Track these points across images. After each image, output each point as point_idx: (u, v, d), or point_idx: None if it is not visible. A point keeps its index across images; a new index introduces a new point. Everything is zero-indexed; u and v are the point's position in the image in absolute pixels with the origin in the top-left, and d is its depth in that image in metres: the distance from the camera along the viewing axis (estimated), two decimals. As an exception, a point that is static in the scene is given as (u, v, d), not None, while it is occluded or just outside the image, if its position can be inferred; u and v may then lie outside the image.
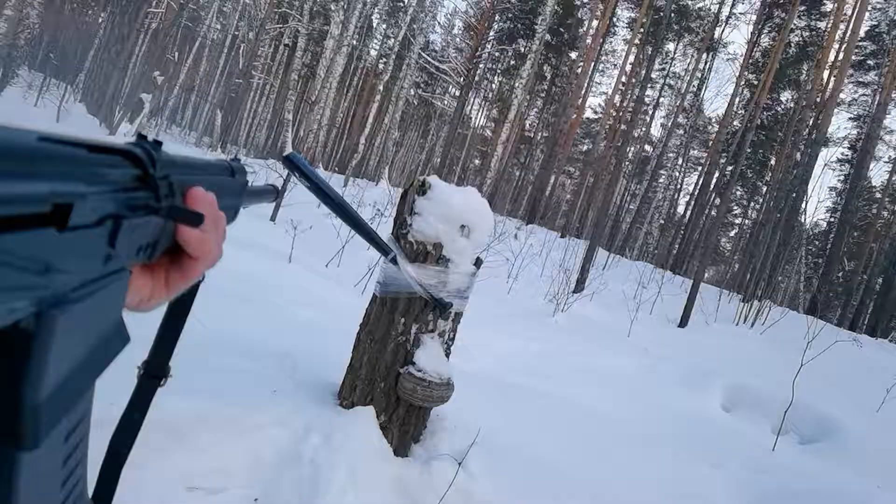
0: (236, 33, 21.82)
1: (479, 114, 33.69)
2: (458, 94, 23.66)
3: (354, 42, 19.26)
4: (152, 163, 0.33)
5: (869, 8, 19.58)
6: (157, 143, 0.34)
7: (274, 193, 0.70)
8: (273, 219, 6.56)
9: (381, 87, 19.44)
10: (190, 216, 0.36)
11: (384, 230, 2.43)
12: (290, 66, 16.45)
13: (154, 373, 0.54)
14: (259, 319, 2.96)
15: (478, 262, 2.27)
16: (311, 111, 13.24)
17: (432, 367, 2.10)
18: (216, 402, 1.88)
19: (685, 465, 3.46)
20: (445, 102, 27.91)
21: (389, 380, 2.14)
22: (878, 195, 25.22)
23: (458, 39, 28.33)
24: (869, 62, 23.11)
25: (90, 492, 0.44)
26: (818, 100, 18.56)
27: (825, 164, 24.21)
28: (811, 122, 18.79)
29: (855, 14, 16.02)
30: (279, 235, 5.69)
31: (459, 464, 1.98)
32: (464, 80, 21.05)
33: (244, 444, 1.82)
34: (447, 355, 2.23)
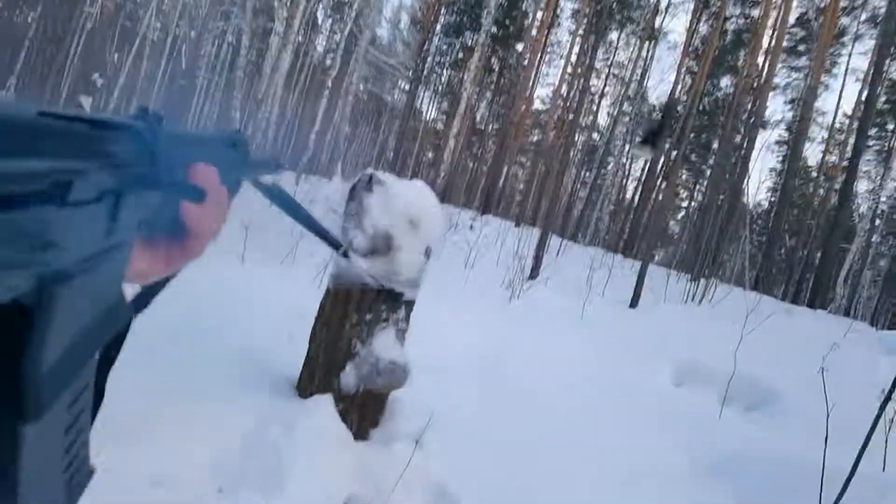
0: (177, 32, 21.29)
1: (430, 107, 33.73)
2: (407, 88, 23.66)
3: (300, 39, 19.04)
4: (154, 137, 0.33)
5: (798, -5, 20.43)
6: (159, 118, 0.34)
7: (275, 165, 0.68)
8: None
9: (329, 83, 19.28)
10: (191, 192, 0.36)
11: (338, 226, 2.49)
12: (235, 64, 16.17)
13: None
14: (216, 318, 2.99)
15: (428, 252, 2.36)
16: (259, 109, 13.07)
17: (387, 355, 2.18)
18: (177, 396, 1.93)
19: (636, 437, 3.64)
20: (395, 96, 27.87)
21: (346, 368, 2.21)
22: (814, 174, 26.39)
23: (404, 33, 28.31)
24: (800, 48, 24.09)
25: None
26: (755, 85, 19.30)
27: (762, 147, 25.14)
28: (749, 107, 19.53)
29: (784, 2, 16.70)
30: (231, 234, 5.67)
31: (416, 443, 2.08)
32: (412, 73, 21.07)
33: (206, 437, 1.87)
34: (401, 343, 2.32)
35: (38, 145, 0.22)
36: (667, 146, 21.74)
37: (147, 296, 0.50)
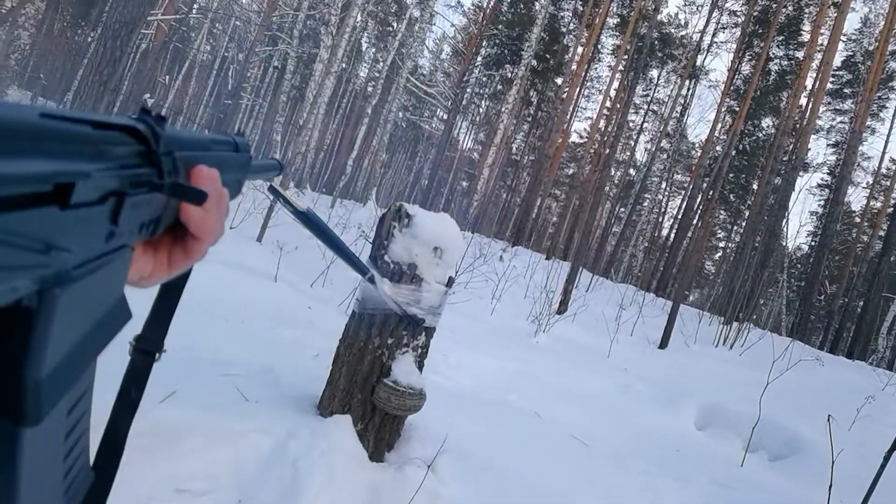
0: (226, 55, 22.09)
1: (467, 137, 34.16)
2: (445, 117, 24.03)
3: (343, 66, 19.56)
4: (156, 139, 0.33)
5: (844, 39, 20.25)
6: (161, 119, 0.34)
7: (278, 169, 0.67)
8: (259, 239, 6.70)
9: (369, 110, 19.72)
10: (193, 194, 0.36)
11: (368, 251, 2.59)
12: (279, 88, 16.67)
13: (148, 349, 0.52)
14: (244, 338, 3.10)
15: (450, 282, 2.43)
16: (300, 134, 13.43)
17: (405, 379, 2.24)
18: (202, 410, 2.01)
19: (654, 480, 3.59)
20: (433, 125, 28.31)
21: (366, 390, 2.28)
22: (857, 220, 25.76)
23: (446, 64, 28.83)
24: (846, 91, 23.77)
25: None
26: (796, 126, 19.08)
27: (802, 189, 24.72)
28: (790, 148, 19.28)
29: (829, 44, 16.56)
30: (265, 255, 5.83)
31: (429, 467, 2.12)
32: (451, 103, 21.41)
33: (229, 450, 1.95)
34: (420, 368, 2.38)
35: (40, 147, 0.22)
36: (704, 185, 21.54)
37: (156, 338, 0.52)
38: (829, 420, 2.55)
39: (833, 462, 2.54)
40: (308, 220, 1.46)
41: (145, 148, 0.32)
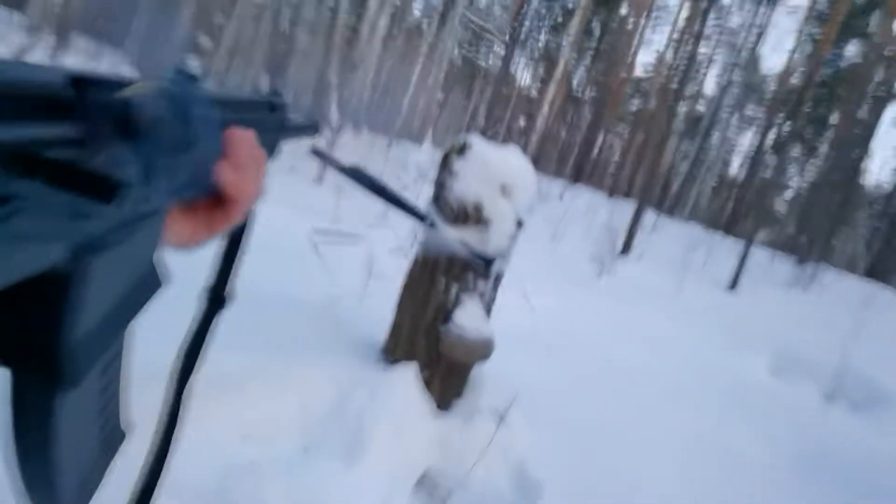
0: (280, -5, 21.81)
1: (525, 73, 33.01)
2: (502, 53, 23.21)
3: (398, 2, 19.02)
4: (188, 99, 0.32)
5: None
6: (193, 78, 0.33)
7: (315, 128, 0.67)
8: (319, 181, 6.66)
9: (424, 48, 19.22)
10: (226, 155, 0.36)
11: (427, 193, 2.45)
12: (333, 27, 16.39)
13: (217, 296, 0.52)
14: (306, 275, 3.05)
15: (519, 224, 2.27)
16: (355, 73, 13.23)
17: (472, 325, 2.13)
18: (267, 356, 1.96)
19: (727, 424, 3.44)
20: (490, 61, 27.45)
21: (431, 337, 2.18)
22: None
23: (503, -5, 27.63)
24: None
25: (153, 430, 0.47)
26: (886, 53, 17.48)
27: (893, 122, 22.90)
28: (878, 78, 17.75)
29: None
30: (325, 196, 5.78)
31: (500, 419, 2.03)
32: (508, 37, 20.61)
33: (294, 398, 1.90)
34: (488, 314, 2.26)
35: (69, 112, 0.21)
36: (779, 121, 20.23)
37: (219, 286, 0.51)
38: None
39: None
40: (357, 176, 1.36)
41: (177, 108, 0.31)
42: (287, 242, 3.38)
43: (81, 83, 0.22)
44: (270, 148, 0.49)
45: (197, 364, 0.50)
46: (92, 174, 0.21)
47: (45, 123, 0.20)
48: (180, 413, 0.49)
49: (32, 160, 0.19)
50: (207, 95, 0.34)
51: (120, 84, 0.26)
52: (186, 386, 0.50)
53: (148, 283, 0.33)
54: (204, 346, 0.51)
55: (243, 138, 0.39)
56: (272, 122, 0.50)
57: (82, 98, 0.22)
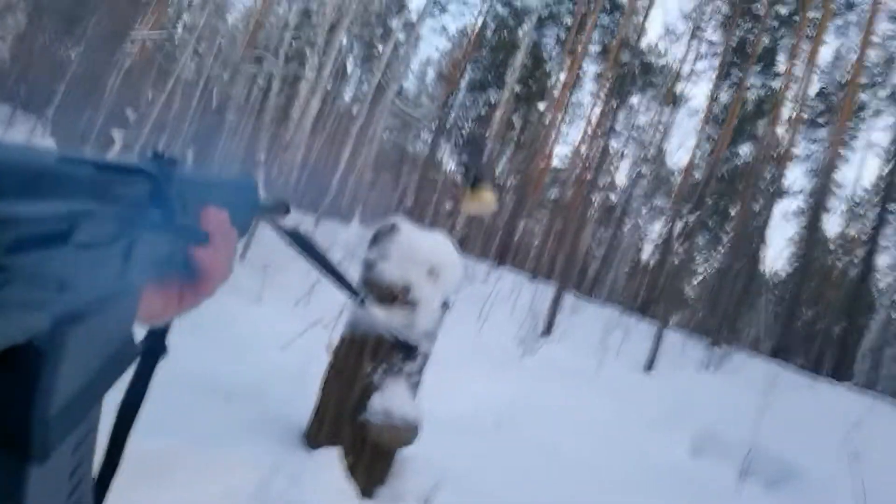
0: (210, 73, 21.96)
1: (451, 159, 34.21)
2: (429, 139, 24.08)
3: (329, 86, 19.55)
4: (167, 180, 0.33)
5: (818, 71, 20.71)
6: (172, 161, 0.35)
7: (285, 207, 0.69)
8: (242, 258, 6.53)
9: (354, 131, 19.68)
10: (202, 235, 0.37)
11: (355, 272, 2.47)
12: (264, 107, 16.58)
13: (152, 349, 0.50)
14: (230, 359, 2.95)
15: (445, 305, 2.32)
16: (284, 153, 13.33)
17: (398, 410, 2.12)
18: (188, 441, 1.87)
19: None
20: (417, 147, 28.34)
21: (356, 422, 2.15)
22: (832, 246, 26.13)
23: (430, 87, 28.99)
24: (819, 120, 24.26)
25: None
26: (774, 154, 19.37)
27: (782, 215, 25.03)
28: (769, 176, 19.56)
29: (805, 75, 16.93)
30: (248, 274, 5.66)
31: (424, 503, 1.99)
32: (435, 126, 21.46)
33: (216, 482, 1.81)
34: (413, 396, 2.25)
35: (53, 188, 0.22)
36: (685, 211, 21.74)
37: (160, 336, 0.49)
38: (851, 457, 2.45)
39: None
40: (295, 239, 1.37)
41: (156, 189, 0.33)
42: (214, 325, 3.27)
43: (66, 161, 0.23)
44: (242, 226, 0.50)
45: (136, 418, 0.49)
46: None
47: (35, 200, 0.20)
48: (118, 467, 0.48)
49: (24, 234, 0.20)
50: (184, 177, 0.36)
51: (100, 164, 0.27)
52: (122, 442, 0.49)
53: (122, 357, 0.33)
54: (144, 399, 0.50)
55: (218, 218, 0.40)
56: (244, 201, 0.51)
57: (69, 175, 0.23)
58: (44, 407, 0.25)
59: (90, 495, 0.35)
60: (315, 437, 2.20)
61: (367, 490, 2.12)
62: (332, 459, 2.08)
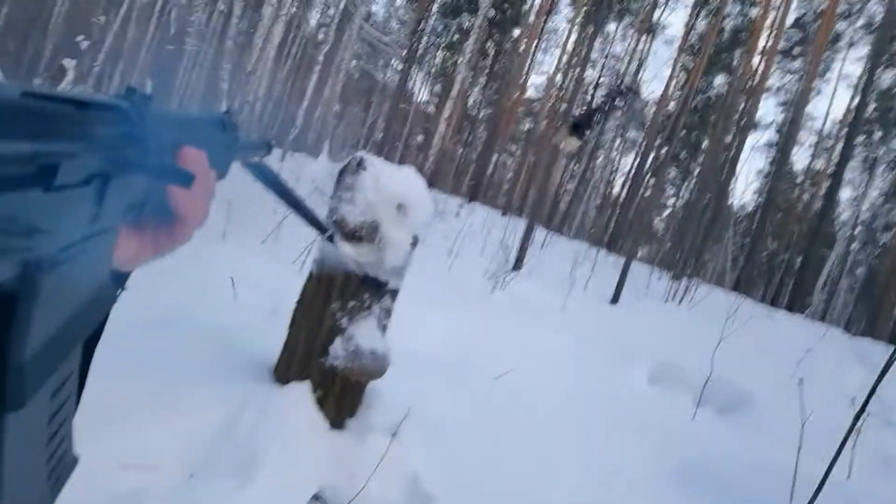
0: (168, -4, 20.80)
1: (422, 89, 33.48)
2: (400, 67, 23.43)
3: (293, 10, 18.72)
4: (142, 119, 0.32)
5: (796, -2, 20.47)
6: (147, 98, 0.33)
7: (266, 148, 0.67)
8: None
9: (320, 58, 19.01)
10: (180, 175, 0.35)
11: (323, 208, 2.44)
12: (226, 33, 15.86)
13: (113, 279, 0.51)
14: (193, 298, 2.93)
15: (415, 241, 2.32)
16: (248, 82, 12.87)
17: (367, 344, 2.14)
18: (150, 380, 1.88)
19: (610, 435, 3.65)
20: (388, 76, 27.59)
21: (326, 356, 2.17)
22: (800, 179, 26.65)
23: (400, 11, 27.98)
24: (795, 51, 24.20)
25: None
26: (748, 85, 19.36)
27: (752, 148, 25.28)
28: (742, 107, 19.61)
29: (783, 3, 16.73)
30: (212, 211, 5.55)
31: (393, 435, 2.05)
32: (406, 53, 20.85)
33: (179, 422, 1.83)
34: (383, 332, 2.28)
35: (21, 127, 0.21)
36: (657, 143, 21.80)
37: (122, 275, 0.49)
38: (800, 384, 2.58)
39: (803, 425, 2.58)
40: (259, 172, 1.34)
41: (131, 128, 0.31)
42: (176, 263, 3.23)
43: (32, 96, 0.22)
44: (221, 167, 0.49)
45: (92, 356, 0.49)
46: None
47: (1, 140, 0.20)
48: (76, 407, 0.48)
49: None
50: (160, 115, 0.35)
51: (70, 100, 0.25)
52: (83, 384, 0.49)
53: (99, 301, 0.32)
54: (99, 337, 0.49)
55: (195, 158, 0.39)
56: (223, 141, 0.50)
57: (37, 112, 0.22)
58: (18, 354, 0.25)
59: (71, 440, 0.35)
60: (284, 373, 2.23)
61: (336, 422, 2.17)
62: (301, 393, 2.12)
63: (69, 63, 11.77)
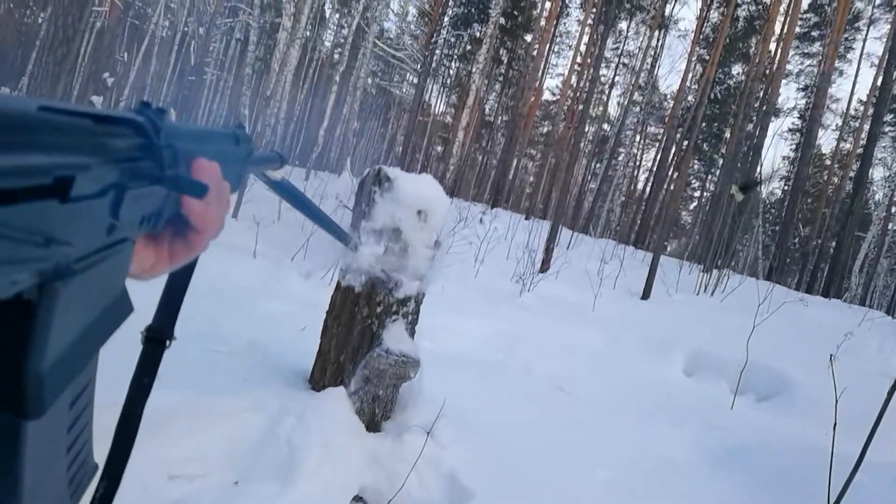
0: (186, 29, 21.38)
1: (439, 100, 33.72)
2: (415, 81, 23.64)
3: (308, 34, 19.06)
4: (156, 131, 0.33)
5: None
6: (161, 112, 0.34)
7: (279, 161, 0.67)
8: (235, 215, 6.56)
9: (337, 78, 19.29)
10: (194, 187, 0.35)
11: (347, 220, 2.51)
12: (244, 60, 16.21)
13: (158, 337, 0.54)
14: (229, 315, 3.02)
15: (437, 245, 2.38)
16: (268, 106, 13.13)
17: (397, 347, 2.20)
18: (192, 392, 1.95)
19: (649, 428, 3.64)
20: (404, 90, 27.84)
21: (358, 361, 2.24)
22: (828, 162, 26.09)
23: (412, 26, 28.25)
24: (813, 33, 23.78)
25: (106, 455, 0.48)
26: (767, 72, 19.08)
27: (775, 135, 24.89)
28: (761, 94, 19.33)
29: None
30: (242, 231, 5.71)
31: (428, 434, 2.10)
32: (421, 66, 21.03)
33: (221, 431, 1.90)
34: (411, 335, 2.34)
35: (39, 140, 0.21)
36: (678, 136, 21.57)
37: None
38: (831, 360, 2.56)
39: (836, 402, 2.56)
40: (284, 189, 1.40)
41: (146, 140, 0.32)
42: (211, 282, 3.34)
43: (49, 110, 0.23)
44: (234, 180, 0.50)
45: (143, 402, 0.53)
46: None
47: (16, 151, 0.20)
48: (128, 449, 0.51)
49: (5, 188, 0.19)
50: (174, 128, 0.36)
51: (86, 113, 0.26)
52: (134, 422, 0.52)
53: (116, 311, 0.33)
54: (148, 384, 0.53)
55: (209, 169, 0.39)
56: (237, 154, 0.51)
57: (54, 126, 0.23)
58: (37, 363, 0.25)
59: (90, 447, 0.37)
60: (319, 380, 2.30)
61: (372, 425, 2.23)
62: (337, 398, 2.18)
63: (97, 100, 12.18)
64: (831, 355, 2.67)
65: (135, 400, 0.52)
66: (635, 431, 3.48)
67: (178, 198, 0.37)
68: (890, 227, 21.75)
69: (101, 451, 0.47)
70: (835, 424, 2.55)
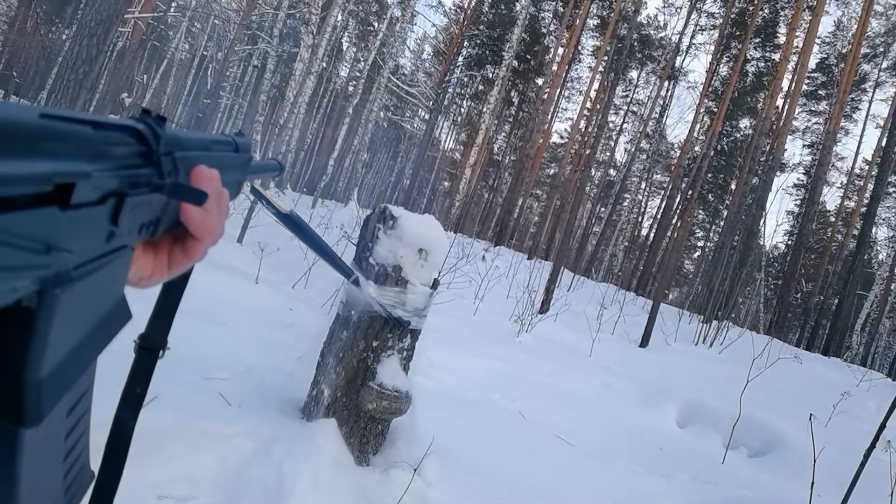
0: (205, 53, 21.86)
1: (449, 137, 34.21)
2: (427, 117, 24.01)
3: (324, 65, 19.45)
4: (156, 139, 0.33)
5: (818, 42, 20.61)
6: (161, 119, 0.34)
7: (278, 169, 0.67)
8: (240, 240, 6.63)
9: (350, 110, 19.63)
10: (193, 194, 0.35)
11: (351, 252, 2.57)
12: (259, 87, 16.53)
13: (152, 346, 0.53)
14: (226, 340, 3.06)
15: (435, 284, 2.43)
16: (280, 133, 13.34)
17: (391, 382, 2.23)
18: (185, 415, 1.98)
19: (638, 478, 3.62)
20: (415, 125, 28.27)
21: (351, 394, 2.26)
22: (832, 219, 26.23)
23: (427, 64, 28.81)
24: (820, 92, 24.19)
25: (97, 467, 0.46)
26: (773, 127, 19.36)
27: (779, 189, 25.09)
28: (767, 149, 19.57)
29: (805, 47, 16.83)
30: (246, 257, 5.77)
31: (415, 470, 2.11)
32: (433, 103, 21.39)
33: (212, 454, 1.92)
34: (405, 371, 2.37)
35: (41, 147, 0.22)
36: (683, 185, 21.77)
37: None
38: (810, 419, 2.58)
39: (815, 460, 2.57)
40: (291, 221, 1.45)
41: (146, 148, 0.32)
42: (212, 306, 3.38)
43: (50, 118, 0.23)
44: (234, 187, 0.51)
45: (136, 413, 0.52)
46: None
47: (16, 158, 0.20)
48: (121, 461, 0.50)
49: (5, 195, 0.19)
50: (174, 136, 0.36)
51: (87, 121, 0.27)
52: (126, 434, 0.51)
53: (115, 318, 0.33)
54: (141, 394, 0.52)
55: (208, 177, 0.40)
56: (236, 162, 0.51)
57: (55, 133, 0.23)
58: (35, 370, 0.25)
59: (87, 456, 0.37)
60: (311, 410, 2.32)
61: (361, 458, 2.24)
62: (328, 430, 2.20)
63: (114, 119, 12.36)
64: (811, 414, 2.69)
65: (127, 410, 0.51)
66: (625, 479, 3.47)
67: (178, 205, 0.38)
68: (893, 287, 21.72)
69: (94, 468, 0.46)
70: (812, 483, 2.55)
